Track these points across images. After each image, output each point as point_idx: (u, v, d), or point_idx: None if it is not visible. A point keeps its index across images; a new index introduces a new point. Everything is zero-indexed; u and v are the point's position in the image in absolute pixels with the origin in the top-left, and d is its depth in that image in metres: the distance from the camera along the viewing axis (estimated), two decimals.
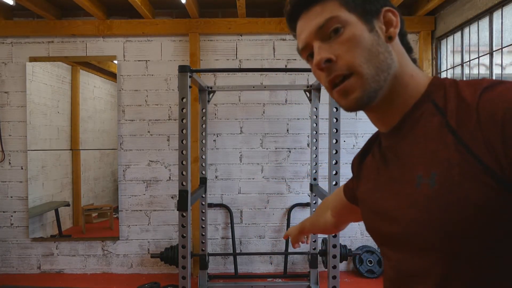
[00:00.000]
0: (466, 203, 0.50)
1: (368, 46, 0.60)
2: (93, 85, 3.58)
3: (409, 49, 0.66)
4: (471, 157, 0.51)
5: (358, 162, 0.80)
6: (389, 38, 0.62)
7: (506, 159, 0.48)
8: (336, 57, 0.60)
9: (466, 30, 3.05)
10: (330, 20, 0.61)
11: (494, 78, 2.67)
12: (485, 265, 0.51)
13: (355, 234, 3.55)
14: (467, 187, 0.50)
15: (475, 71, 2.99)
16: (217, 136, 3.51)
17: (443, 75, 3.41)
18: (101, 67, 3.55)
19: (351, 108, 0.62)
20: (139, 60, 3.50)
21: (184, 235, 2.19)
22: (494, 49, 2.68)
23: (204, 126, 3.10)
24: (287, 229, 3.47)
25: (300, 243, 1.20)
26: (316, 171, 3.02)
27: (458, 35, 3.17)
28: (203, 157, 3.11)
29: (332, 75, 0.61)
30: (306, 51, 0.66)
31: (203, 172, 3.12)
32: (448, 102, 0.57)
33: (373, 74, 0.59)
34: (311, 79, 3.46)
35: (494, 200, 0.49)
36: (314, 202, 3.10)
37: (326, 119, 3.40)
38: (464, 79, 3.04)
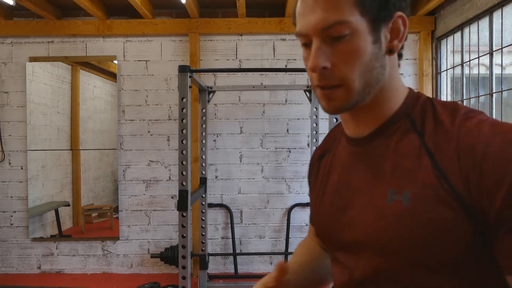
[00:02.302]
0: (436, 224, 0.54)
1: (367, 61, 0.58)
2: (93, 85, 3.58)
3: (400, 55, 0.66)
4: (445, 182, 0.54)
5: (318, 158, 0.80)
6: (390, 51, 0.61)
7: (477, 190, 0.51)
8: (332, 64, 0.58)
9: (466, 30, 3.05)
10: (340, 24, 0.56)
11: (494, 78, 2.68)
12: (441, 277, 0.56)
13: None
14: (439, 210, 0.53)
15: (475, 71, 2.99)
16: (217, 136, 3.51)
17: (443, 75, 3.41)
18: (101, 67, 3.55)
19: (329, 112, 0.63)
20: (139, 60, 3.50)
21: (184, 235, 2.19)
22: (494, 49, 2.68)
23: (204, 126, 3.10)
24: (287, 229, 3.47)
25: None
26: None
27: (458, 35, 3.17)
28: (203, 157, 3.11)
29: (322, 82, 0.60)
30: (303, 39, 0.62)
31: (203, 172, 3.12)
32: (426, 122, 0.59)
33: (361, 89, 0.59)
34: None
35: (459, 223, 0.53)
36: None
37: (326, 119, 3.40)
38: (464, 79, 3.05)
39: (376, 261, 0.60)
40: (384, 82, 0.62)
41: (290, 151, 3.52)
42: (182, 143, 2.22)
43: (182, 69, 2.23)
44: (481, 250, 0.54)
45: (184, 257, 2.20)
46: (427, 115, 0.60)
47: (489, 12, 2.71)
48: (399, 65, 0.66)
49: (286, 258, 3.46)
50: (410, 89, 0.65)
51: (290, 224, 3.49)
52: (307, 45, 0.61)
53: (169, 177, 3.51)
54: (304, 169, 3.52)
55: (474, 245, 0.53)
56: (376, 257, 0.60)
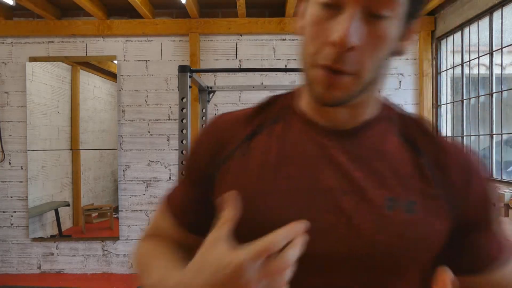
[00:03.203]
0: (437, 235, 0.52)
1: (385, 55, 0.50)
2: (93, 85, 3.58)
3: None
4: (444, 193, 0.53)
5: (245, 138, 0.59)
6: (398, 52, 0.53)
7: (470, 203, 0.54)
8: (358, 47, 0.46)
9: (466, 30, 3.05)
10: (389, 2, 0.46)
11: (494, 78, 2.68)
12: (415, 282, 0.54)
13: None
14: (440, 221, 0.52)
15: (475, 71, 2.99)
16: None
17: (443, 75, 3.41)
18: (101, 67, 3.55)
19: (325, 101, 0.51)
20: (139, 60, 3.49)
21: None
22: (494, 49, 2.68)
23: (204, 126, 3.10)
24: None
25: None
26: None
27: (458, 35, 3.17)
28: None
29: (338, 65, 0.47)
30: None
31: None
32: (411, 130, 0.56)
33: (366, 84, 0.50)
34: None
35: (447, 232, 0.53)
36: None
37: None
38: (464, 79, 3.05)
39: (359, 276, 0.51)
40: (380, 82, 0.55)
41: None
42: (182, 143, 2.22)
43: (182, 69, 2.23)
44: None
45: None
46: (407, 121, 0.57)
47: (489, 12, 2.71)
48: None
49: None
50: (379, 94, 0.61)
51: None
52: (330, 6, 0.47)
53: (169, 177, 3.51)
54: None
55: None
56: (361, 272, 0.51)
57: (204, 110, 3.12)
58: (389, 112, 0.58)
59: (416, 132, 0.56)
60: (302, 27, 0.53)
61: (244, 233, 0.46)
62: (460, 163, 0.55)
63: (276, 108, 0.61)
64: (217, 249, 0.43)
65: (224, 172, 0.57)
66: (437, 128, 0.60)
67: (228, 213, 0.45)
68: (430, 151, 0.55)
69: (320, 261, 0.50)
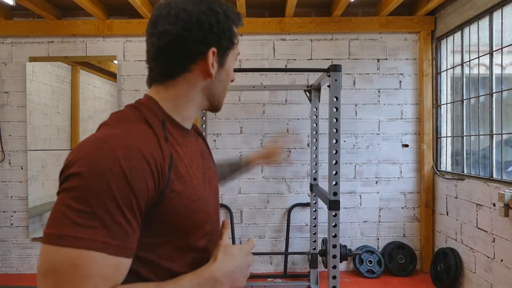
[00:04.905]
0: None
1: None
2: (93, 85, 3.58)
3: None
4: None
5: (170, 159, 0.71)
6: None
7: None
8: None
9: (466, 30, 3.05)
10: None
11: (494, 78, 2.68)
12: None
13: (355, 234, 3.55)
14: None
15: (475, 71, 2.99)
16: (217, 136, 3.51)
17: (443, 75, 3.41)
18: (101, 67, 3.55)
19: (219, 109, 0.89)
20: (139, 60, 3.50)
21: None
22: (494, 49, 2.68)
23: (204, 126, 3.10)
24: (287, 229, 3.47)
25: None
26: (316, 171, 3.02)
27: (458, 35, 3.17)
28: None
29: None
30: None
31: None
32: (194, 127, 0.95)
33: None
34: (311, 79, 3.46)
35: None
36: (314, 202, 3.10)
37: (326, 119, 3.40)
38: (464, 79, 3.05)
39: (217, 217, 0.86)
40: None
41: (290, 151, 3.52)
42: None
43: None
44: None
45: None
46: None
47: (489, 12, 2.71)
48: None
49: (286, 258, 3.46)
50: None
51: (290, 224, 3.49)
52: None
53: None
54: (304, 169, 3.52)
55: None
56: (217, 214, 0.87)
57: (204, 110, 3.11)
58: None
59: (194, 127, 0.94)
60: (214, 73, 0.79)
61: (202, 214, 0.77)
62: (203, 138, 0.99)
63: (157, 123, 0.74)
64: (234, 246, 0.78)
65: (172, 191, 0.69)
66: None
67: (226, 232, 0.83)
68: (201, 135, 0.96)
69: (213, 213, 0.83)
